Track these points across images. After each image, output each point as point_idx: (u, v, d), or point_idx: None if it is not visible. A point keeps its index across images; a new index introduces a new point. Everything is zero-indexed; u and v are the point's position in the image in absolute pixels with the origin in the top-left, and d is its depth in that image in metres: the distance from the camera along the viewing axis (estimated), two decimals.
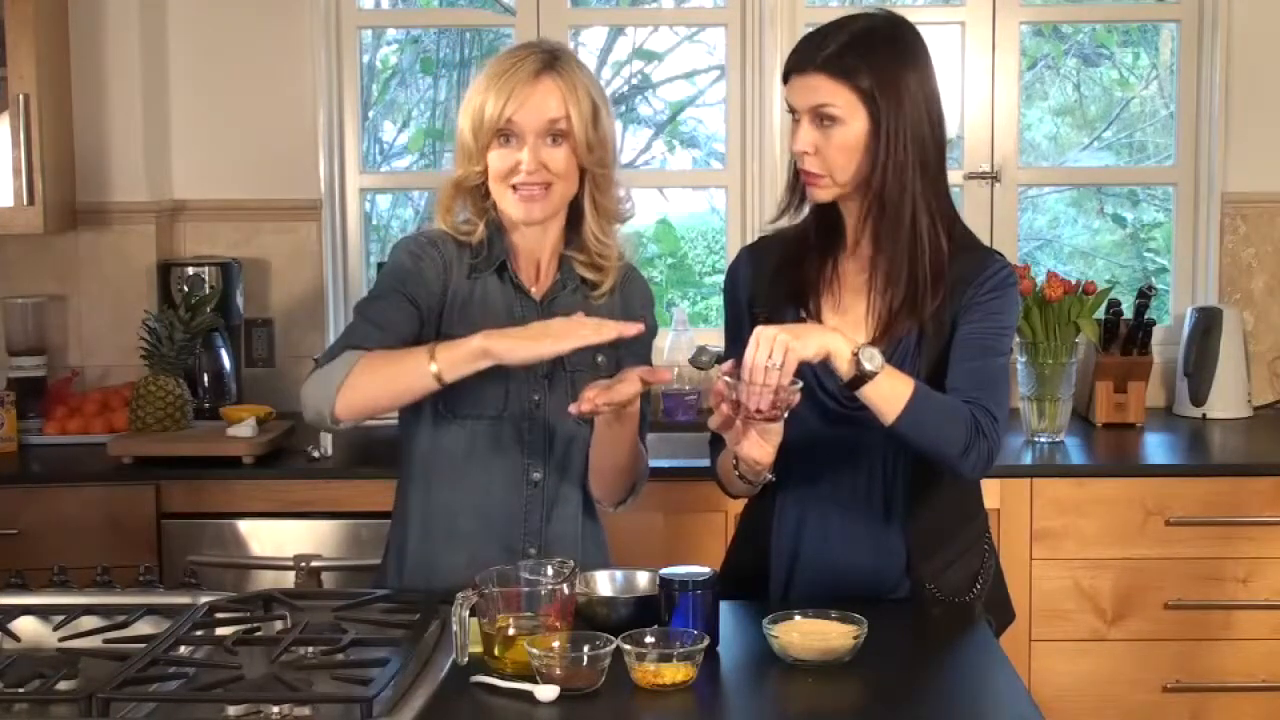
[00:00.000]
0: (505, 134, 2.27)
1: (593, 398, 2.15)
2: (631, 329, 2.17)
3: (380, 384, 2.20)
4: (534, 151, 2.27)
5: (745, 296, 2.41)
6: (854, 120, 2.23)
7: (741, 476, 2.28)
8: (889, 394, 2.15)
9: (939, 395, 2.21)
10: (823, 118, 2.25)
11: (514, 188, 2.29)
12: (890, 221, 2.26)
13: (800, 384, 2.12)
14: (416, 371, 2.18)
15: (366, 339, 2.26)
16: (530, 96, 2.27)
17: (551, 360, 2.27)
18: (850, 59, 2.23)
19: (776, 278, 2.37)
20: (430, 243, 2.34)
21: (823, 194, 2.30)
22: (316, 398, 2.22)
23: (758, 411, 2.11)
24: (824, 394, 2.31)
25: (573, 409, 2.18)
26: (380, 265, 2.47)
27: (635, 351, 2.37)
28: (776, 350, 2.08)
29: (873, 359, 2.13)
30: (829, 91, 2.24)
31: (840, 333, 2.17)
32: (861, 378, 2.13)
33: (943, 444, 2.19)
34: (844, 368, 2.13)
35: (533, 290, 2.36)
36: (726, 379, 2.13)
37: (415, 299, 2.31)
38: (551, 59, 2.30)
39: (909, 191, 2.25)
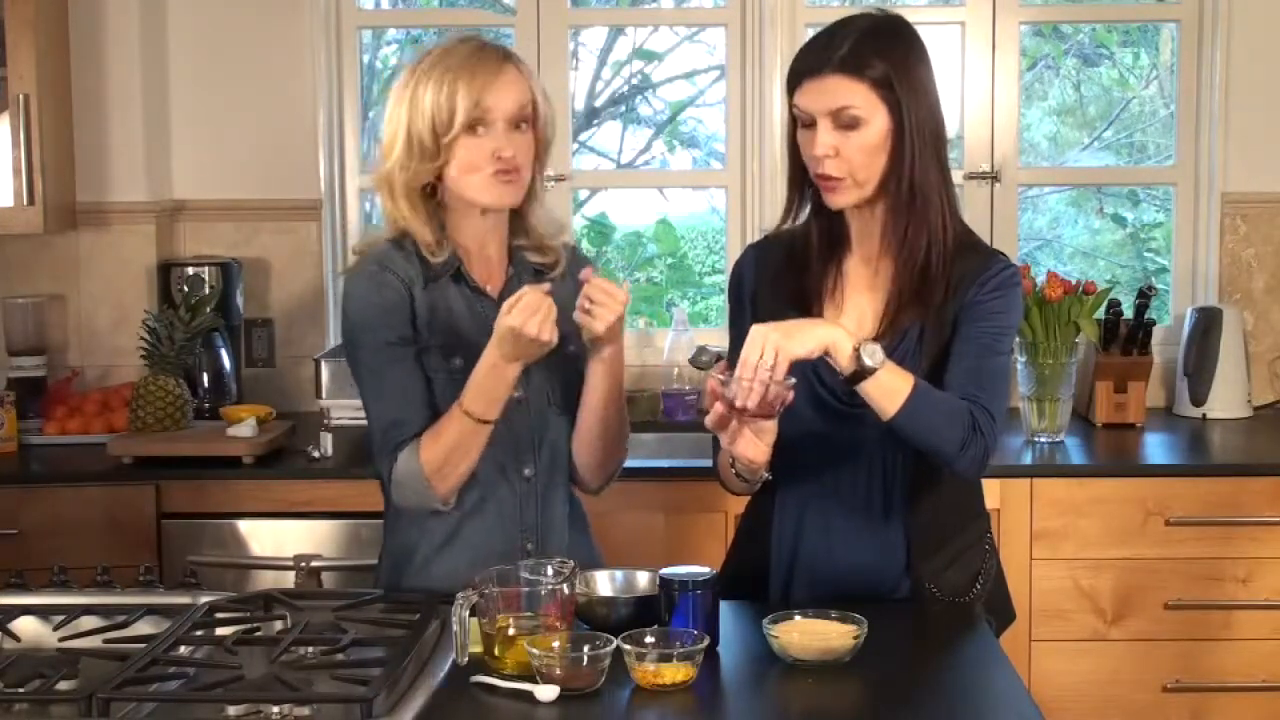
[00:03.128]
0: (476, 125, 2.26)
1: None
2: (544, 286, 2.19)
3: (456, 460, 2.26)
4: (508, 139, 2.27)
5: (749, 294, 2.41)
6: (875, 119, 2.23)
7: (739, 475, 2.28)
8: (889, 389, 2.15)
9: (938, 392, 2.21)
10: (843, 120, 2.23)
11: (491, 175, 2.27)
12: (907, 217, 2.26)
13: (794, 381, 2.12)
14: (471, 433, 2.24)
15: (410, 421, 2.28)
16: (502, 85, 2.27)
17: None
18: (866, 56, 2.22)
19: (779, 281, 2.37)
20: (380, 268, 2.31)
21: (842, 198, 2.28)
22: (418, 501, 2.30)
23: (751, 409, 2.11)
24: (824, 391, 2.31)
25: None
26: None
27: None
28: (768, 350, 2.09)
29: (874, 354, 2.13)
30: (848, 92, 2.22)
31: (842, 327, 2.17)
32: (862, 373, 2.13)
33: (940, 441, 2.19)
34: (845, 362, 2.13)
35: (488, 288, 2.37)
36: (719, 377, 2.13)
37: (404, 336, 2.30)
38: (506, 50, 2.33)
39: (929, 187, 2.25)
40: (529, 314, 2.14)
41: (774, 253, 2.41)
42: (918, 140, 2.23)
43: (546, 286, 2.18)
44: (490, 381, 2.21)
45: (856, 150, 2.24)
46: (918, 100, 2.24)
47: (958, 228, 2.32)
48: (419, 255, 2.32)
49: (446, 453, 2.25)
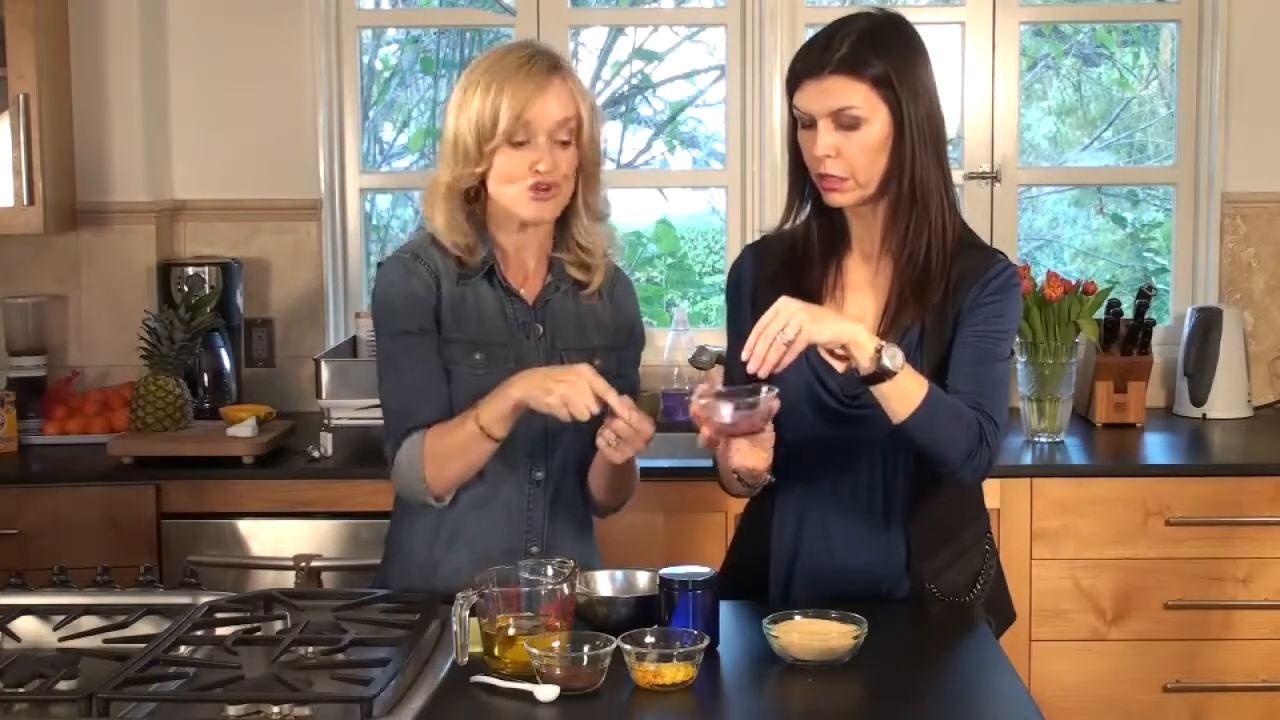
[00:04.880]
0: (517, 136, 2.28)
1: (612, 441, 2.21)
2: (622, 409, 2.18)
3: (455, 463, 2.29)
4: (549, 153, 2.28)
5: (748, 295, 2.40)
6: (876, 118, 2.22)
7: (741, 480, 2.28)
8: (905, 393, 2.14)
9: (950, 399, 2.20)
10: (844, 121, 2.23)
11: (528, 189, 2.29)
12: (908, 216, 2.26)
13: (777, 390, 2.11)
14: (475, 442, 2.26)
15: (420, 410, 2.30)
16: (546, 99, 2.28)
17: (549, 362, 2.34)
18: (865, 55, 2.22)
19: (778, 280, 2.36)
20: (414, 257, 2.34)
21: (844, 198, 2.27)
22: (412, 490, 2.33)
23: (736, 429, 2.11)
24: (825, 393, 2.30)
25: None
26: (378, 265, 2.47)
27: (629, 359, 2.46)
28: (791, 326, 2.07)
29: (895, 358, 2.12)
30: (848, 92, 2.22)
31: (864, 325, 2.16)
32: (880, 374, 2.13)
33: (948, 448, 2.19)
34: (865, 362, 2.12)
35: (522, 292, 2.37)
36: (702, 401, 2.12)
37: (424, 327, 2.32)
38: (556, 60, 2.33)
39: (931, 186, 2.25)
40: (580, 391, 2.15)
41: (773, 252, 2.40)
42: (918, 139, 2.23)
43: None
44: (511, 410, 2.22)
45: (858, 150, 2.23)
46: (918, 99, 2.24)
47: (958, 226, 2.32)
48: (457, 249, 2.34)
49: (448, 451, 2.27)
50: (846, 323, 2.13)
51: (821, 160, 2.24)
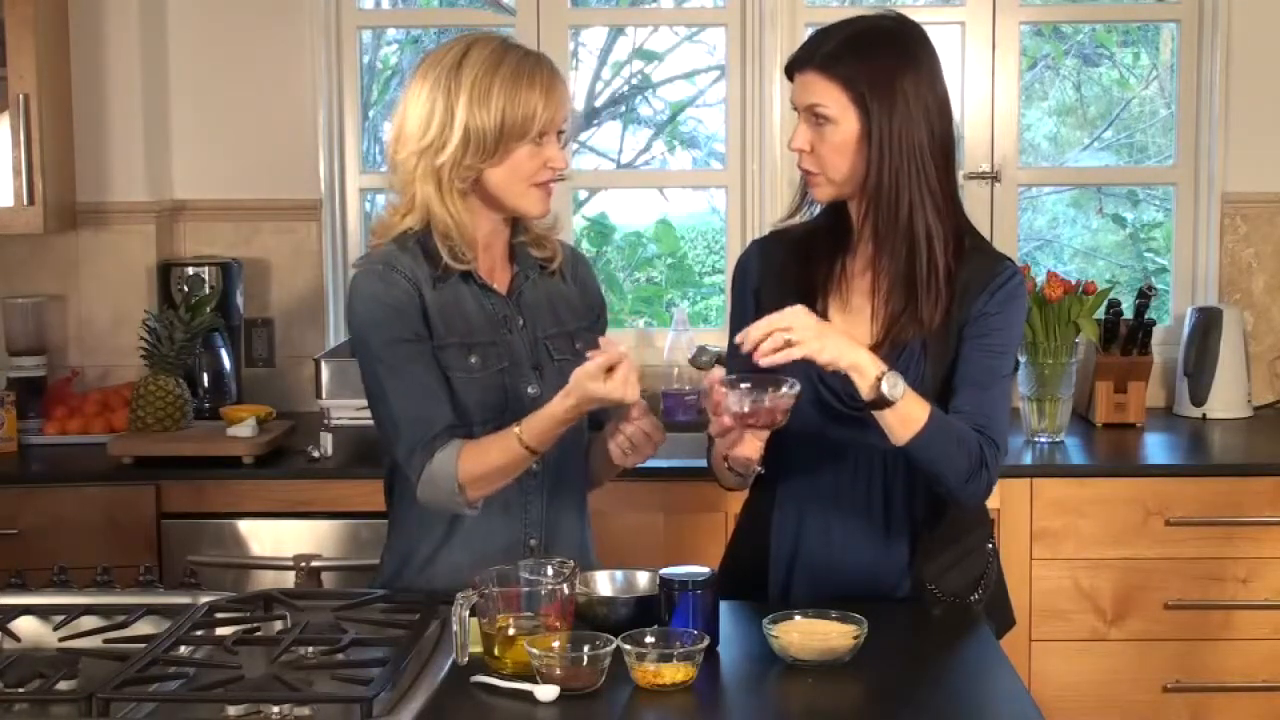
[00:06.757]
0: (543, 133, 2.29)
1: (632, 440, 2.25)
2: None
3: (494, 474, 2.26)
4: (559, 149, 2.31)
5: (753, 288, 2.41)
6: (845, 121, 2.23)
7: (732, 469, 2.28)
8: (906, 417, 2.15)
9: (952, 422, 2.21)
10: (816, 116, 2.25)
11: (539, 184, 2.31)
12: (886, 224, 2.26)
13: (798, 387, 2.12)
14: (518, 457, 2.25)
15: (436, 415, 2.28)
16: (561, 95, 2.30)
17: (535, 352, 2.36)
18: (846, 60, 2.23)
19: (784, 274, 2.37)
20: (389, 267, 2.31)
21: (820, 193, 2.31)
22: (443, 503, 2.29)
23: (753, 422, 2.12)
24: (826, 392, 2.30)
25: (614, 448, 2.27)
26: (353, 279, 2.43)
27: (599, 333, 2.43)
28: (796, 332, 2.08)
29: (895, 387, 2.12)
30: (821, 91, 2.24)
31: (869, 353, 2.15)
32: (881, 401, 2.13)
33: (947, 470, 2.20)
34: (866, 390, 2.13)
35: (494, 286, 2.38)
36: (722, 389, 2.12)
37: (419, 333, 2.30)
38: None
39: (905, 196, 2.23)
40: (624, 384, 2.15)
41: (779, 248, 2.41)
42: (889, 148, 2.22)
43: (623, 348, 2.18)
44: (557, 428, 2.23)
45: (828, 148, 2.25)
46: (893, 109, 2.22)
47: (967, 239, 2.31)
48: (425, 255, 2.32)
49: (489, 471, 2.26)
50: (851, 350, 2.13)
51: (798, 153, 2.28)
